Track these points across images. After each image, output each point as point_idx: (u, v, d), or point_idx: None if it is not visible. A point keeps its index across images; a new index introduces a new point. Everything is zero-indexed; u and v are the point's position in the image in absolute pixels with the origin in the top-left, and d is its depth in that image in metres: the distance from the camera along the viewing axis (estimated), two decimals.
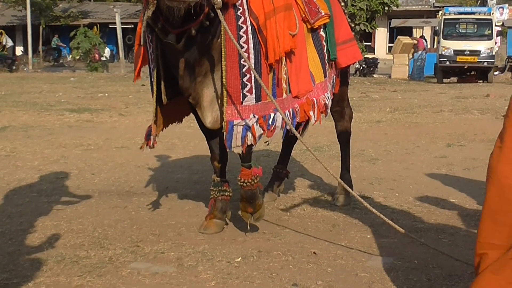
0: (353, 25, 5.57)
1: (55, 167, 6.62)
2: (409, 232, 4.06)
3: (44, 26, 36.90)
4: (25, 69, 29.68)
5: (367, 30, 30.06)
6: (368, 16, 29.43)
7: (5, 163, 6.87)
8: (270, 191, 5.27)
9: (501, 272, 2.52)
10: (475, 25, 23.97)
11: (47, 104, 13.17)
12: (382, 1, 31.63)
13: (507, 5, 31.29)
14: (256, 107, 3.95)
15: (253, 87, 3.91)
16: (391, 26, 35.64)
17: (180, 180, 6.07)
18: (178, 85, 4.01)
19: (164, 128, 4.50)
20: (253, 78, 3.88)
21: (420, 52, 25.06)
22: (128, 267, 3.73)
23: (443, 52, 22.92)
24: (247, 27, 3.91)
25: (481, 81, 22.53)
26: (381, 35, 37.95)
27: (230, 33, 3.75)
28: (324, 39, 4.66)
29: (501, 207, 2.56)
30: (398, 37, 28.03)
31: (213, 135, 4.37)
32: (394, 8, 30.75)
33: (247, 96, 3.91)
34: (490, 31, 23.41)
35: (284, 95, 4.17)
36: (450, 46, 22.85)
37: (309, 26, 4.49)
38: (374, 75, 26.29)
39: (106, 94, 15.68)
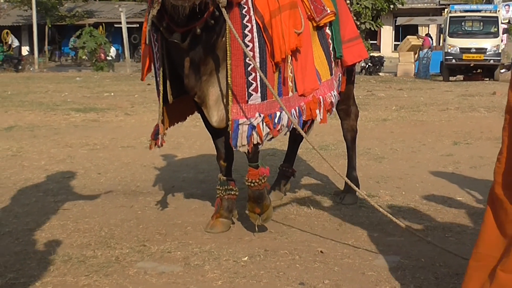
0: (358, 23, 5.56)
1: (62, 167, 6.62)
2: (416, 231, 4.05)
3: (50, 26, 36.96)
4: (31, 69, 29.77)
5: (372, 29, 29.97)
6: (373, 14, 29.34)
7: (11, 163, 6.87)
8: (277, 190, 5.26)
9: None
10: (481, 23, 23.91)
11: (53, 103, 13.18)
12: None
13: None
14: (262, 106, 3.94)
15: (259, 85, 3.90)
16: (396, 24, 35.62)
17: (186, 179, 6.06)
18: (183, 84, 4.01)
19: (169, 127, 4.49)
20: (258, 76, 3.87)
21: (425, 50, 25.00)
22: (135, 266, 3.72)
23: (449, 50, 22.87)
24: (252, 26, 3.90)
25: (487, 79, 22.47)
26: (386, 33, 37.91)
27: (235, 32, 3.74)
28: (330, 37, 4.64)
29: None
30: (408, 36, 27.94)
31: (219, 134, 4.36)
32: (400, 6, 30.65)
33: (252, 95, 3.90)
34: (496, 29, 23.34)
35: (290, 94, 4.15)
36: (456, 44, 22.80)
37: (314, 24, 4.48)
38: (380, 74, 26.29)
39: (112, 94, 15.69)
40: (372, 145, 7.84)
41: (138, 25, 34.68)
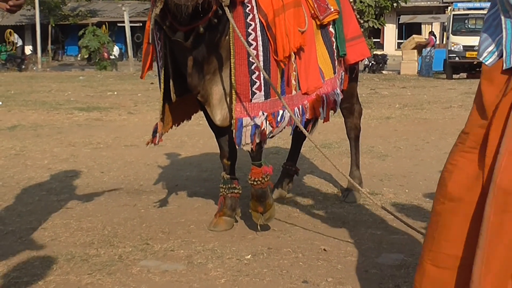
0: (362, 22, 5.56)
1: (65, 166, 6.62)
2: (420, 229, 4.04)
3: (53, 25, 37.01)
4: (34, 68, 29.79)
5: (375, 27, 29.93)
6: (376, 13, 29.29)
7: (15, 162, 6.87)
8: (280, 188, 5.24)
9: None
10: None
11: (56, 103, 13.19)
12: None
13: None
14: (265, 104, 3.94)
15: (262, 84, 3.90)
16: (400, 22, 35.52)
17: (190, 178, 6.06)
18: (186, 83, 4.01)
19: (174, 126, 4.51)
20: (262, 75, 3.87)
21: (428, 49, 24.96)
22: (138, 265, 3.72)
23: (452, 48, 22.83)
24: (255, 25, 3.90)
25: None
26: (389, 31, 37.89)
27: (238, 31, 3.74)
28: (333, 35, 4.65)
29: None
30: (413, 35, 27.85)
31: (223, 132, 4.35)
32: (403, 4, 30.60)
33: (256, 93, 3.90)
34: None
35: (294, 92, 4.15)
36: (459, 41, 22.75)
37: (318, 23, 4.48)
38: (383, 72, 26.23)
39: (115, 93, 15.70)
40: (375, 143, 7.83)
41: (141, 24, 34.74)
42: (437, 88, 17.06)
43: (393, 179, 5.96)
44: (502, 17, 2.33)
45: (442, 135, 8.63)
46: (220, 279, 3.51)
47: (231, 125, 4.00)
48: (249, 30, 3.88)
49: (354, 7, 5.22)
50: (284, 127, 4.12)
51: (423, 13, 34.85)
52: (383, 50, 33.90)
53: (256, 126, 3.90)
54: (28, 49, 36.34)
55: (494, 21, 2.37)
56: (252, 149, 4.01)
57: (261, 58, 3.89)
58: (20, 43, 33.81)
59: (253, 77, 3.88)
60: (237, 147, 4.08)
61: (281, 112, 4.01)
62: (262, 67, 3.85)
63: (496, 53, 2.34)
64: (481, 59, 2.39)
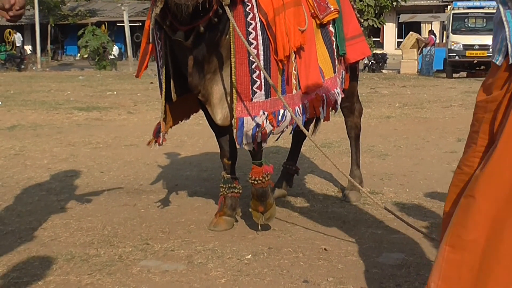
0: (362, 21, 5.56)
1: (64, 166, 6.61)
2: (421, 228, 4.03)
3: (52, 25, 36.98)
4: (33, 68, 29.76)
5: (375, 26, 29.90)
6: (376, 12, 29.27)
7: (14, 162, 6.86)
8: (280, 188, 5.24)
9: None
10: (484, 20, 23.78)
11: (56, 102, 13.17)
12: None
13: None
14: (266, 104, 3.93)
15: (263, 83, 3.89)
16: (399, 21, 35.44)
17: (190, 178, 6.05)
18: (187, 82, 4.00)
19: (173, 126, 4.49)
20: (262, 74, 3.86)
21: (428, 48, 24.92)
22: (138, 265, 3.71)
23: (452, 47, 22.83)
24: (256, 24, 3.89)
25: None
26: (389, 30, 37.86)
27: (239, 30, 3.74)
28: (333, 34, 4.64)
29: None
30: (411, 32, 27.79)
31: (223, 132, 4.35)
32: (403, 3, 30.57)
33: (256, 92, 3.89)
34: None
35: (294, 91, 4.14)
36: (459, 40, 22.75)
37: (318, 22, 4.46)
38: (383, 71, 26.18)
39: (115, 92, 15.67)
40: (375, 142, 7.83)
41: (140, 24, 34.70)
42: (437, 87, 17.06)
43: (393, 178, 5.96)
44: (502, 10, 2.31)
45: (442, 134, 8.63)
46: (220, 279, 3.50)
47: (231, 124, 4.01)
48: (250, 29, 3.87)
49: (354, 6, 5.21)
50: (286, 127, 4.11)
51: (422, 12, 34.81)
52: (383, 49, 33.85)
53: (257, 126, 3.90)
54: (27, 49, 36.29)
55: (497, 19, 2.36)
56: (253, 148, 4.01)
57: (261, 57, 3.88)
58: (19, 43, 33.77)
59: (254, 76, 3.87)
60: (238, 146, 4.08)
61: (282, 111, 4.00)
62: (263, 66, 3.84)
63: (502, 50, 2.32)
64: (493, 60, 2.37)
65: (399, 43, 34.12)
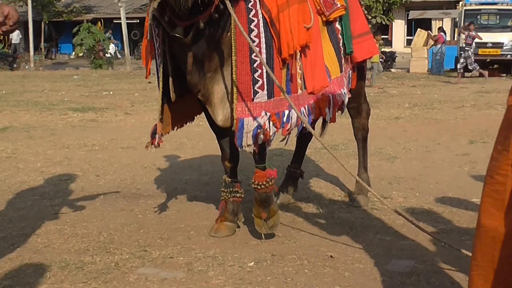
0: (370, 18, 5.48)
1: (58, 169, 6.56)
2: (431, 233, 3.98)
3: (46, 22, 36.95)
4: (26, 67, 29.67)
5: (384, 23, 29.74)
6: (384, 8, 29.12)
7: (6, 165, 6.82)
8: (284, 192, 5.18)
9: None
10: (498, 16, 23.70)
11: (50, 103, 13.16)
12: None
13: None
14: (268, 104, 3.86)
15: (265, 83, 3.82)
16: (409, 18, 35.16)
17: (189, 182, 6.01)
18: (186, 81, 3.93)
19: (177, 128, 4.47)
20: (264, 73, 3.79)
21: (439, 46, 24.79)
22: (136, 272, 3.68)
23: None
24: (258, 20, 3.82)
25: (504, 74, 22.24)
26: (398, 27, 37.62)
27: (241, 26, 3.66)
28: (340, 32, 4.59)
29: None
30: (419, 29, 27.70)
31: (224, 133, 4.28)
32: None
33: (258, 92, 3.82)
34: None
35: (299, 91, 4.08)
36: None
37: (324, 19, 4.41)
38: (392, 70, 26.12)
39: (111, 92, 15.69)
40: (384, 145, 7.80)
41: (138, 21, 34.68)
42: (448, 87, 17.14)
43: (402, 182, 5.92)
44: None
45: (453, 136, 8.61)
46: None
47: (233, 125, 3.93)
48: (252, 26, 3.81)
49: (362, 3, 5.17)
50: (293, 129, 4.05)
51: (433, 8, 34.48)
52: (392, 47, 33.64)
53: (258, 127, 3.83)
54: (20, 47, 36.17)
55: None
56: (254, 151, 3.95)
57: (264, 55, 3.82)
58: (17, 40, 33.66)
59: (256, 75, 3.80)
60: (238, 148, 4.01)
61: (286, 112, 3.93)
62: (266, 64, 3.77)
63: None
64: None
65: (408, 41, 34.00)
